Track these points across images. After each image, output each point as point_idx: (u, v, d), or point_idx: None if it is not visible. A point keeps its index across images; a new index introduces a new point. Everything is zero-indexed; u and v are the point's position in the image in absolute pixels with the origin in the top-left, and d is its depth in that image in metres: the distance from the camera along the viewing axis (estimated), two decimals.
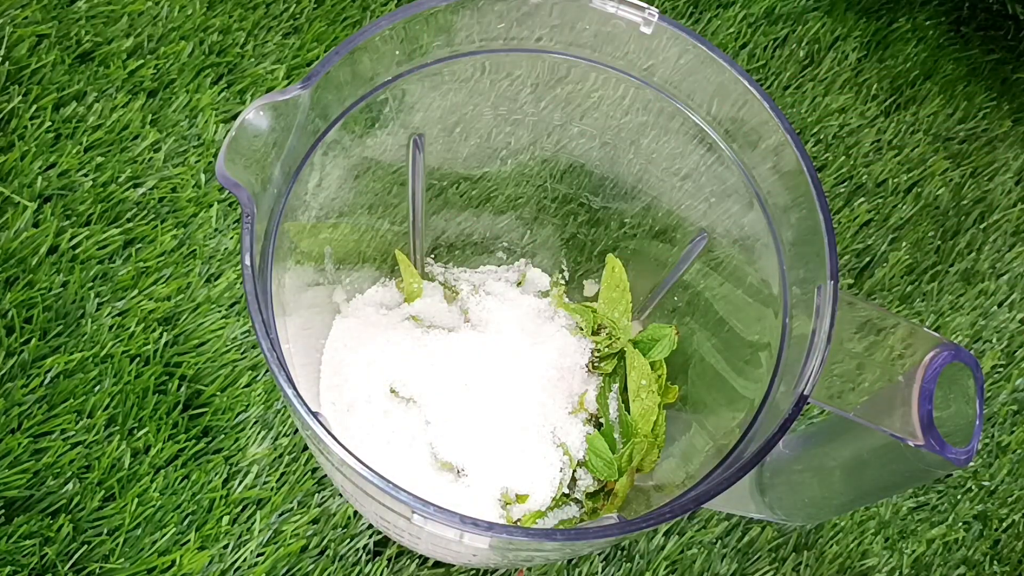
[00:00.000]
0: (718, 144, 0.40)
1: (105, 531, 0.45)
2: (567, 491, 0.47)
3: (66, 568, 0.44)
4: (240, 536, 0.46)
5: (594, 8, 0.38)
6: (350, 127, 0.39)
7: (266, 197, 0.35)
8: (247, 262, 0.32)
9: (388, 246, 0.49)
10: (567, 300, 0.52)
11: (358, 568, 0.47)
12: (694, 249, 0.45)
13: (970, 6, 0.69)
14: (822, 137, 0.63)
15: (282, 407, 0.49)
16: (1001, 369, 0.58)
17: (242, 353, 0.49)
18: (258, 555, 0.46)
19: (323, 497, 0.47)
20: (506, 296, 0.50)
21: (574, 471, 0.47)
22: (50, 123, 0.52)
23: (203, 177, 0.53)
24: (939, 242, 0.61)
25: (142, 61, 0.55)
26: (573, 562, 0.49)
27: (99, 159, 0.52)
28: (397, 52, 0.38)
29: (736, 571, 0.50)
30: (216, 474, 0.47)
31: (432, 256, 0.51)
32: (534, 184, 0.48)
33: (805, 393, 0.34)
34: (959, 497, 0.54)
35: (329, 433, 0.31)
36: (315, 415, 0.31)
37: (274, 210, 0.36)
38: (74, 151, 0.52)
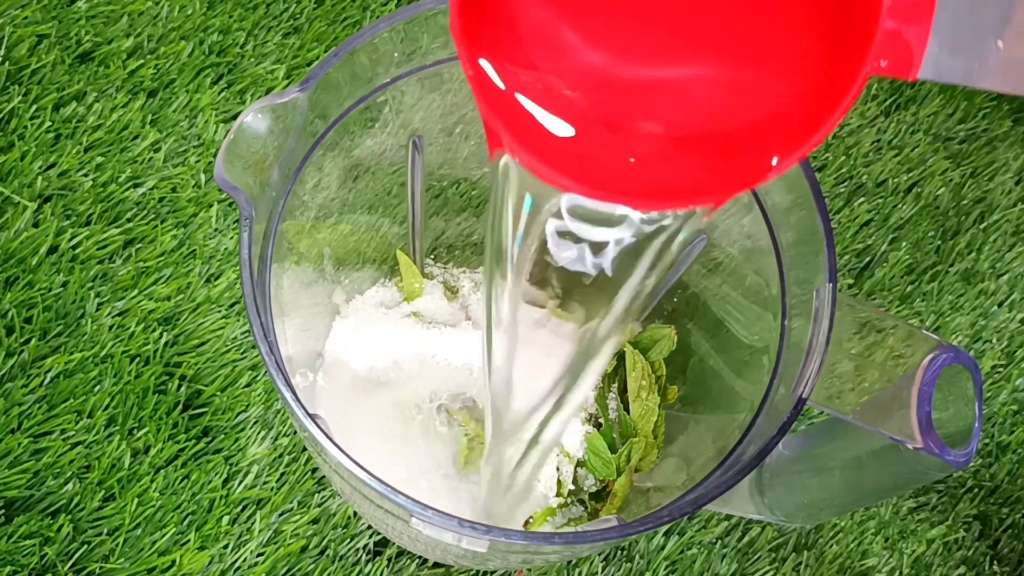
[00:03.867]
0: None
1: (105, 531, 0.45)
2: (572, 487, 0.47)
3: (66, 568, 0.44)
4: (240, 536, 0.46)
5: None
6: (349, 128, 0.39)
7: (265, 199, 0.35)
8: (245, 265, 0.32)
9: (388, 247, 0.49)
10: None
11: (358, 568, 0.47)
12: (693, 250, 0.45)
13: None
14: None
15: (282, 407, 0.49)
16: (1001, 369, 0.58)
17: (242, 353, 0.50)
18: (258, 555, 0.46)
19: (323, 497, 0.48)
20: None
21: (575, 471, 0.47)
22: (50, 123, 0.52)
23: (203, 177, 0.53)
24: (939, 242, 0.61)
25: (142, 61, 0.55)
26: (573, 562, 0.49)
27: (99, 159, 0.52)
28: (396, 53, 0.37)
29: (736, 571, 0.50)
30: (216, 474, 0.47)
31: (432, 256, 0.51)
32: None
33: (804, 395, 0.34)
34: (959, 497, 0.54)
35: (327, 436, 0.31)
36: (313, 418, 0.31)
37: (273, 211, 0.36)
38: (74, 151, 0.52)
